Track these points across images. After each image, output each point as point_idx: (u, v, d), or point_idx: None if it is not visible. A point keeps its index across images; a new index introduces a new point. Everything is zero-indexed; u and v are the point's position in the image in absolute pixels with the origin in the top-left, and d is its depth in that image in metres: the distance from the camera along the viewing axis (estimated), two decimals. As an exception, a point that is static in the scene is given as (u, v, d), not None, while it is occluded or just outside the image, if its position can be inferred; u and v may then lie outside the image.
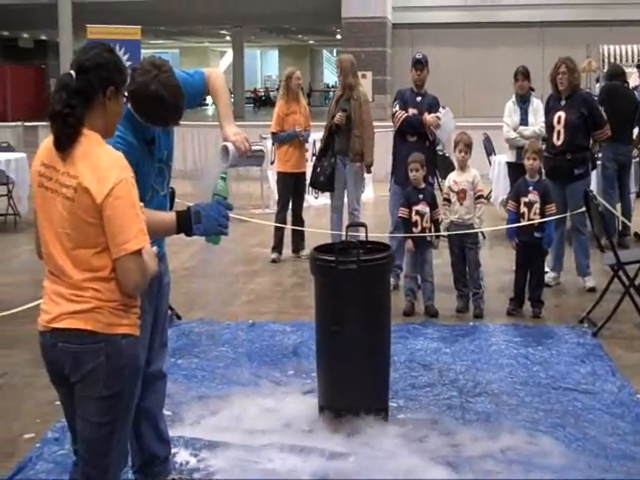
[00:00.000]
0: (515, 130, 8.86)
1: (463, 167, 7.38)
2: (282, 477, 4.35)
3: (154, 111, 3.55)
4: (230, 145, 3.79)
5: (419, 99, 8.13)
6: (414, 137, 8.06)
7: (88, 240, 2.97)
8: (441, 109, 8.11)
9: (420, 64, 8.12)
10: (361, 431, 4.80)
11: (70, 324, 3.00)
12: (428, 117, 7.97)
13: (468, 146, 7.39)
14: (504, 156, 10.87)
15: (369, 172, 9.36)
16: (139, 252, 2.95)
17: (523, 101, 8.90)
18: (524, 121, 8.81)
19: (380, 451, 4.61)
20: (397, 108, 8.12)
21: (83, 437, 3.13)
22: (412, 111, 8.06)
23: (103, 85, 3.04)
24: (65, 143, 2.97)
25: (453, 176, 7.46)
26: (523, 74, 8.92)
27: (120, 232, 2.93)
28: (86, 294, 2.99)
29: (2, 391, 5.65)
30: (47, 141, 3.08)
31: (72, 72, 3.03)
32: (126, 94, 3.44)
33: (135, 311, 3.10)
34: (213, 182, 3.66)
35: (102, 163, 2.95)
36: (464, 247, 7.30)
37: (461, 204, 7.28)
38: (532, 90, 9.00)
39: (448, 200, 7.39)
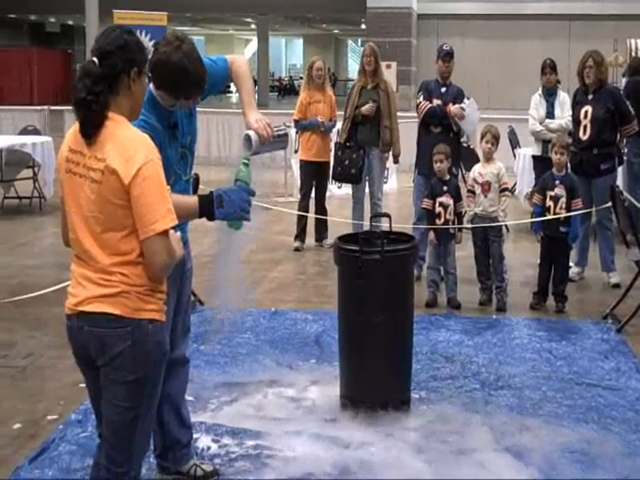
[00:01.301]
0: (541, 123, 8.81)
1: (489, 159, 7.35)
2: (303, 465, 4.35)
3: (177, 81, 3.56)
4: (252, 133, 3.77)
5: (444, 90, 8.10)
6: (438, 128, 8.03)
7: (116, 223, 2.97)
8: (465, 100, 8.08)
9: (448, 56, 8.09)
10: (383, 422, 4.80)
11: (97, 308, 3.01)
12: (452, 108, 7.94)
13: (496, 138, 7.35)
14: (529, 149, 10.83)
15: (397, 162, 9.33)
16: (166, 233, 2.95)
17: (550, 94, 8.84)
18: (550, 114, 8.76)
19: (401, 442, 4.61)
20: (421, 99, 8.09)
21: (108, 420, 3.14)
22: (436, 102, 8.04)
23: (127, 67, 3.05)
24: (90, 129, 2.99)
25: (478, 168, 7.43)
26: (551, 67, 8.87)
27: (148, 212, 2.93)
28: (113, 278, 2.99)
29: (26, 372, 5.69)
30: (74, 127, 3.10)
31: (94, 58, 3.03)
32: (149, 68, 3.46)
33: (161, 296, 3.11)
34: (236, 169, 3.66)
35: (129, 144, 2.97)
36: (488, 240, 7.27)
37: (485, 196, 7.25)
38: (559, 83, 8.94)
39: (472, 192, 7.36)
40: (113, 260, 2.99)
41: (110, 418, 3.12)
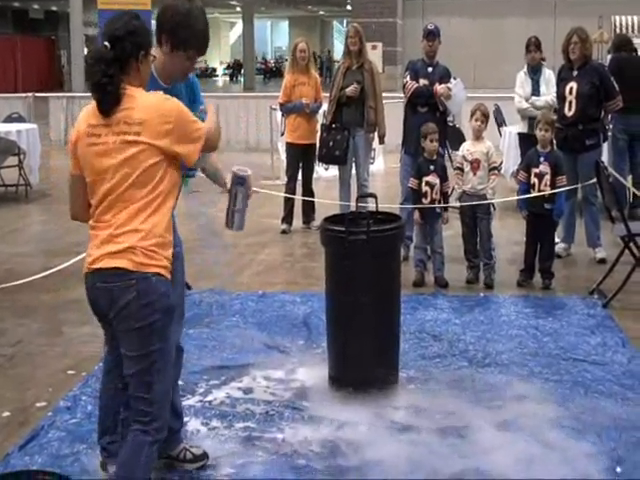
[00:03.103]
0: (527, 101, 8.83)
1: (478, 137, 7.34)
2: (292, 446, 4.38)
3: (188, 27, 3.74)
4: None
5: (430, 70, 8.09)
6: (424, 108, 8.02)
7: (143, 178, 3.27)
8: (452, 80, 8.07)
9: (432, 35, 8.06)
10: (371, 401, 4.83)
11: (107, 264, 3.28)
12: (439, 88, 7.94)
13: (485, 116, 7.36)
14: (515, 127, 10.86)
15: (382, 143, 9.33)
16: (205, 136, 3.40)
17: (534, 72, 8.86)
18: (536, 92, 8.78)
19: (390, 421, 4.64)
20: (408, 79, 8.08)
21: (129, 374, 3.37)
22: (423, 82, 8.02)
23: (135, 50, 3.34)
24: (108, 108, 3.27)
25: (467, 145, 7.44)
26: (535, 45, 8.89)
27: (189, 141, 3.35)
28: (123, 237, 3.27)
29: (15, 360, 5.69)
30: (88, 107, 3.39)
31: (106, 43, 3.29)
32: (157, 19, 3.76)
33: (167, 255, 3.36)
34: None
35: (155, 102, 3.31)
36: (476, 218, 7.29)
37: (474, 174, 7.26)
38: (543, 60, 8.96)
39: (461, 169, 7.36)
40: (129, 217, 3.27)
41: (130, 371, 3.36)
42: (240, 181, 3.66)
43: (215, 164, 3.85)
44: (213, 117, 3.61)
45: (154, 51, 3.65)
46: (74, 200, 3.52)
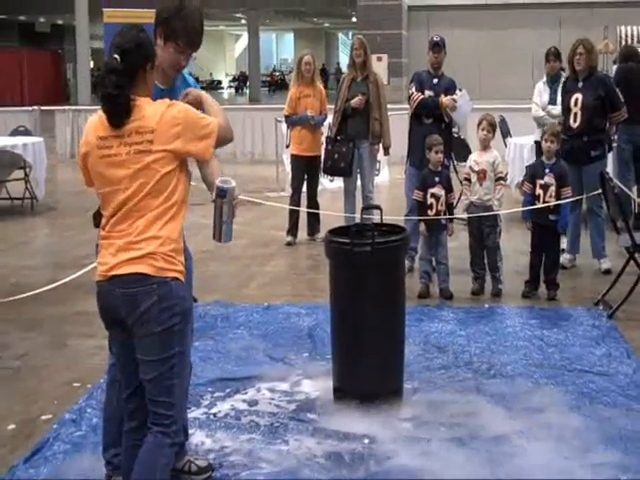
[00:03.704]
0: (543, 109, 8.88)
1: (485, 147, 7.35)
2: (297, 458, 4.38)
3: (180, 19, 3.82)
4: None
5: (435, 81, 8.10)
6: (430, 119, 8.03)
7: (157, 187, 3.33)
8: (457, 91, 8.09)
9: (438, 47, 8.08)
10: (376, 413, 4.83)
11: (127, 270, 3.33)
12: (444, 99, 7.95)
13: (492, 126, 7.38)
14: (521, 138, 10.89)
15: (387, 154, 9.34)
16: (216, 131, 3.43)
17: (553, 81, 8.90)
18: (553, 101, 8.81)
19: (395, 433, 4.63)
20: (413, 90, 8.09)
21: (147, 380, 3.40)
22: (428, 93, 8.03)
23: (143, 62, 3.43)
24: (118, 120, 3.33)
25: (474, 156, 7.46)
26: (554, 54, 8.94)
27: (201, 138, 3.39)
28: (142, 244, 3.33)
29: (21, 373, 5.70)
30: (97, 119, 3.41)
31: (116, 56, 3.35)
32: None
33: (182, 261, 3.44)
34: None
35: (164, 111, 3.35)
36: (482, 230, 7.29)
37: (480, 184, 7.26)
38: (562, 70, 9.00)
39: (468, 180, 7.37)
40: (147, 225, 3.34)
41: (149, 376, 3.40)
42: (223, 194, 3.66)
43: (212, 175, 3.80)
44: (215, 106, 3.68)
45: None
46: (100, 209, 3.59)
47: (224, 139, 3.56)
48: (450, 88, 8.09)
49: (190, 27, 3.85)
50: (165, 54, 3.85)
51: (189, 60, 3.97)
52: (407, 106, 8.49)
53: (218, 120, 3.51)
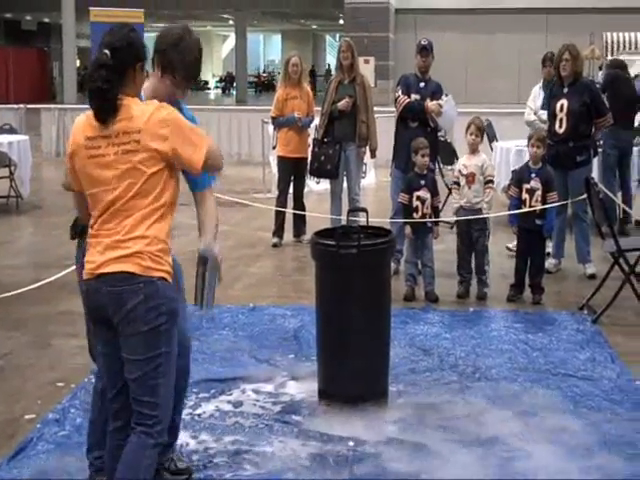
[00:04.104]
0: (535, 114, 8.92)
1: (474, 150, 7.37)
2: (281, 460, 4.37)
3: (178, 52, 3.74)
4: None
5: (422, 85, 8.12)
6: (415, 123, 8.05)
7: (144, 188, 3.32)
8: (444, 97, 8.11)
9: (425, 50, 8.09)
10: (361, 415, 4.84)
11: (114, 268, 3.33)
12: (430, 104, 7.97)
13: (480, 129, 7.40)
14: (507, 142, 10.92)
15: (374, 157, 9.35)
16: (206, 158, 3.40)
17: (548, 86, 8.93)
18: (546, 105, 8.84)
19: (380, 435, 4.64)
20: (400, 93, 8.10)
21: (132, 379, 3.39)
22: (414, 96, 8.05)
23: (134, 61, 3.41)
24: (106, 115, 3.31)
25: (463, 160, 7.47)
26: (550, 60, 8.97)
27: (191, 149, 3.38)
28: (130, 243, 3.32)
29: (4, 372, 5.67)
30: (85, 119, 3.41)
31: (106, 51, 3.34)
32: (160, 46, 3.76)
33: (169, 261, 3.43)
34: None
35: (151, 110, 3.34)
36: (471, 233, 7.30)
37: (469, 188, 7.28)
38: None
39: (458, 184, 7.39)
40: (134, 225, 3.33)
41: (134, 376, 3.39)
42: (205, 260, 3.68)
43: (206, 218, 3.71)
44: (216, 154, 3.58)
45: (150, 77, 3.72)
46: (84, 213, 3.58)
47: (214, 160, 3.50)
48: (436, 92, 8.11)
49: (188, 61, 3.76)
50: (162, 85, 3.77)
51: (187, 92, 3.89)
52: (394, 109, 8.50)
53: (210, 142, 3.49)
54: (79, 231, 3.96)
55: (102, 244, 3.37)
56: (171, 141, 3.33)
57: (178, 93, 3.83)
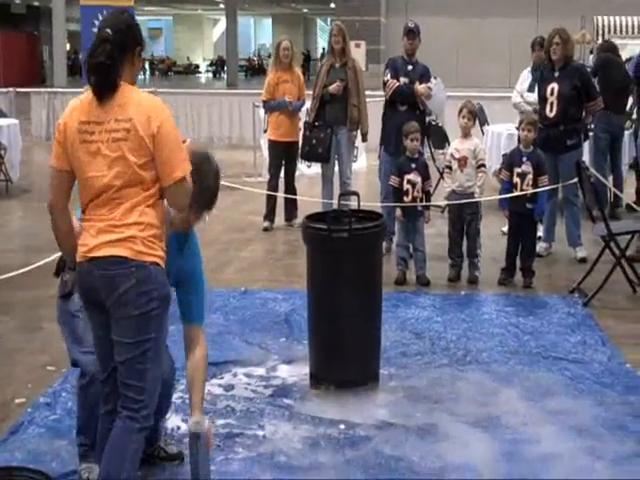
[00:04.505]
0: (522, 97, 8.94)
1: (466, 134, 7.36)
2: (273, 443, 4.38)
3: (206, 194, 3.72)
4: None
5: (410, 68, 8.13)
6: (404, 106, 8.07)
7: (132, 178, 3.29)
8: (432, 79, 8.13)
9: (412, 33, 8.11)
10: (352, 399, 4.85)
11: (106, 252, 3.32)
12: (420, 87, 7.98)
13: (472, 113, 7.39)
14: (498, 126, 10.92)
15: (365, 141, 9.35)
16: (185, 179, 3.35)
17: (536, 70, 8.93)
18: (532, 88, 8.84)
19: (371, 419, 4.65)
20: (388, 77, 8.11)
21: (121, 361, 3.40)
22: (403, 80, 8.07)
23: (134, 44, 3.44)
24: (106, 92, 3.30)
25: (455, 144, 7.46)
26: (540, 44, 8.97)
27: (168, 163, 3.31)
28: (122, 228, 3.32)
29: (-6, 356, 5.66)
30: (80, 102, 3.38)
31: (108, 29, 3.33)
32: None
33: (162, 246, 3.42)
34: None
35: (147, 103, 3.34)
36: (462, 217, 7.29)
37: (461, 171, 7.26)
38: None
39: (450, 167, 7.38)
40: (125, 213, 3.32)
41: (122, 358, 3.39)
42: (196, 436, 3.73)
43: (193, 370, 3.90)
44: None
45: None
46: (58, 195, 3.48)
47: (187, 189, 3.37)
48: (424, 75, 8.14)
49: (207, 198, 3.73)
50: (182, 214, 3.63)
51: (202, 219, 3.83)
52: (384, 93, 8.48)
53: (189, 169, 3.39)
54: (62, 267, 3.99)
55: (95, 227, 3.36)
56: (156, 140, 3.28)
57: (194, 220, 3.77)
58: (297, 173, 9.92)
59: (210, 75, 59.70)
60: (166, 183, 3.34)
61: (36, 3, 46.76)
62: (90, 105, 3.34)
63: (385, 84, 8.14)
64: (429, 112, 8.42)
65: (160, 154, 3.30)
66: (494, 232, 8.75)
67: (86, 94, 3.39)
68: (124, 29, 3.38)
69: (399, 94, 8.02)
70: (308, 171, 12.32)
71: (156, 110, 3.33)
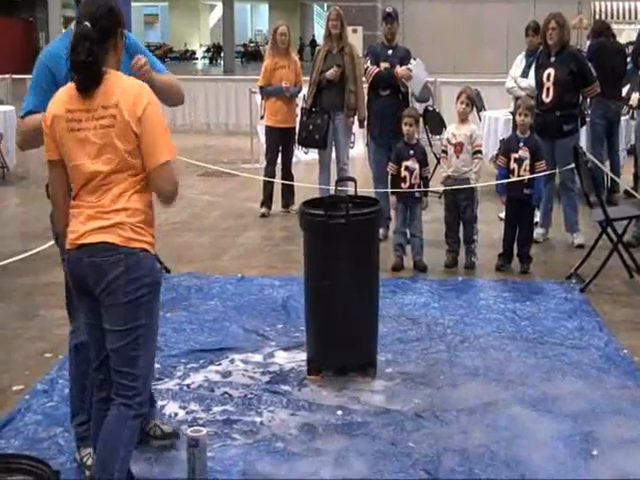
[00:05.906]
0: (515, 81, 8.92)
1: (464, 120, 7.34)
2: (270, 429, 4.39)
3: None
4: None
5: (390, 52, 8.24)
6: (386, 91, 8.17)
7: (121, 164, 3.29)
8: (412, 61, 8.20)
9: (390, 17, 8.25)
10: (349, 385, 4.86)
11: (95, 239, 3.31)
12: (399, 70, 8.07)
13: (470, 99, 7.37)
14: (494, 112, 10.90)
15: (362, 127, 9.33)
16: (168, 163, 3.34)
17: (530, 55, 8.91)
18: (525, 74, 8.82)
19: (368, 405, 4.65)
20: (369, 63, 8.22)
21: (113, 349, 3.39)
22: (384, 65, 8.16)
23: (115, 27, 3.41)
24: (90, 87, 3.28)
25: (452, 129, 7.44)
26: (533, 29, 8.97)
27: (153, 147, 3.30)
28: (111, 214, 3.31)
29: (-9, 343, 5.66)
30: (66, 91, 3.36)
31: (87, 23, 3.28)
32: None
33: (152, 232, 3.42)
34: None
35: (132, 89, 3.33)
36: (458, 203, 7.28)
37: (457, 157, 7.25)
38: (541, 45, 9.01)
39: (446, 152, 7.37)
40: (113, 199, 3.31)
41: (114, 346, 3.38)
42: (194, 443, 3.73)
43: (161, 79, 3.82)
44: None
45: None
46: (58, 186, 3.49)
47: (171, 175, 3.38)
48: (405, 58, 8.24)
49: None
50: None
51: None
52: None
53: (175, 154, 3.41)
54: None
55: (84, 214, 3.35)
56: (144, 125, 3.28)
57: None
58: (294, 159, 9.90)
59: (207, 61, 59.50)
60: (151, 165, 3.32)
61: (32, -11, 46.52)
62: (76, 94, 3.32)
63: (366, 71, 8.21)
64: (412, 93, 8.48)
65: (145, 137, 3.29)
66: (491, 218, 8.74)
67: (70, 84, 3.37)
68: (104, 14, 3.35)
69: (380, 79, 8.12)
70: (305, 157, 12.29)
71: (141, 95, 3.32)
